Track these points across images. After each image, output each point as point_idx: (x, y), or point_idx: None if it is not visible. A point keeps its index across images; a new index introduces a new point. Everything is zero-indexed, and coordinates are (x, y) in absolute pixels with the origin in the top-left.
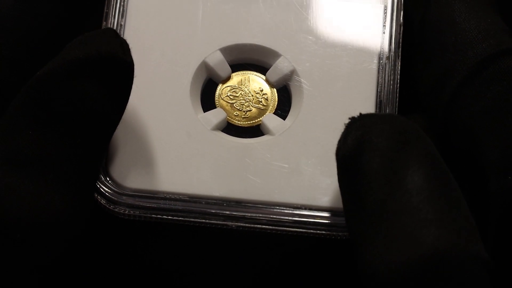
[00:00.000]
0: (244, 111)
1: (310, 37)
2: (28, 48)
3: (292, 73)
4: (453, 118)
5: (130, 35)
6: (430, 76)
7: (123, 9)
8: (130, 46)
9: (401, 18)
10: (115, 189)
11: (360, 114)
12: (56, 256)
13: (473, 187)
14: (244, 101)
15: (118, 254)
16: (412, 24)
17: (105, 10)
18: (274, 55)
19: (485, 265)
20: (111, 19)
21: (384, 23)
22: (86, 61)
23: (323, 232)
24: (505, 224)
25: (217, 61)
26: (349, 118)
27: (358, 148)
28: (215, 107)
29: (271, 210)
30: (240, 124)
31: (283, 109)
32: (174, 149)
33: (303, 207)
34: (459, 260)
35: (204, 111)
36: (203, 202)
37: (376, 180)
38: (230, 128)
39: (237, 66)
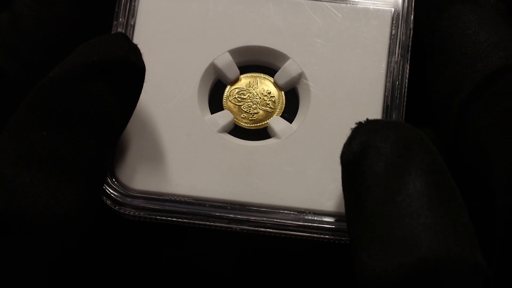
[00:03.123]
0: (251, 113)
1: (319, 40)
2: (44, 49)
3: (300, 76)
4: (462, 131)
5: (139, 36)
6: (440, 88)
7: (133, 9)
8: (139, 46)
9: (411, 22)
10: (121, 191)
11: (367, 119)
12: (67, 254)
13: (481, 202)
14: (251, 103)
15: (123, 254)
16: (423, 34)
17: (116, 10)
18: (283, 57)
19: (482, 273)
20: (121, 19)
21: (393, 27)
22: (99, 64)
23: (327, 236)
24: (510, 241)
25: (226, 62)
26: (356, 123)
27: (362, 152)
28: (223, 109)
29: (275, 213)
30: (247, 126)
31: (290, 112)
32: (180, 151)
33: (307, 211)
34: (455, 266)
35: (212, 113)
36: (208, 205)
37: (378, 184)
38: (237, 130)
39: (245, 68)
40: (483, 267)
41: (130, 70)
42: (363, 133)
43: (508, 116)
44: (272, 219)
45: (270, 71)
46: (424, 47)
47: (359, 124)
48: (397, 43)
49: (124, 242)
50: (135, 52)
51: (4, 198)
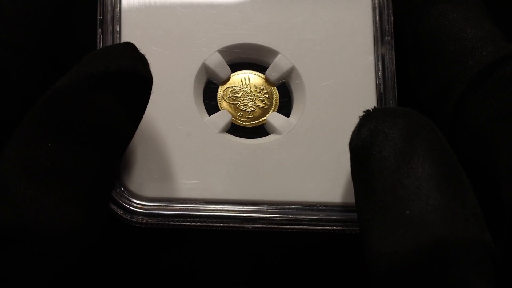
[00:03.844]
0: (247, 111)
1: (306, 33)
2: (26, 31)
3: (292, 70)
4: (459, 127)
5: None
6: (431, 88)
7: (117, 16)
8: None
9: (391, 8)
10: (131, 199)
11: (374, 107)
12: (69, 267)
13: (484, 195)
14: (246, 101)
15: (130, 262)
16: (404, 35)
17: (99, 17)
18: (272, 53)
19: (491, 253)
20: (105, 26)
21: (376, 14)
22: (107, 75)
23: (339, 228)
24: None
25: (217, 62)
26: (364, 111)
27: (371, 138)
28: (217, 109)
29: (288, 209)
30: (245, 124)
31: (283, 107)
32: (185, 155)
33: (318, 205)
34: (465, 246)
35: (208, 114)
36: (220, 206)
37: (386, 168)
38: (235, 129)
39: (234, 66)
40: (492, 247)
41: (137, 82)
42: (371, 120)
43: (507, 107)
44: (285, 215)
45: (259, 67)
46: (406, 49)
47: (367, 111)
48: (381, 31)
49: (129, 249)
50: (143, 62)
51: (7, 210)
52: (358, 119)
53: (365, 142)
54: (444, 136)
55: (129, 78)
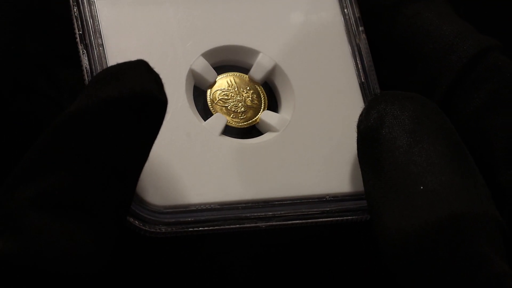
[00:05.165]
0: (239, 112)
1: (283, 31)
2: (12, 39)
3: (274, 68)
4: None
5: (113, 55)
6: (412, 88)
7: (99, 29)
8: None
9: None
10: (148, 209)
11: (381, 91)
12: None
13: None
14: (237, 103)
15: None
16: (375, 38)
17: (78, 32)
18: (254, 53)
19: (501, 228)
20: (89, 40)
21: (342, 6)
22: (121, 100)
23: (350, 217)
24: None
25: (203, 66)
26: (372, 95)
27: (380, 120)
28: (209, 114)
29: (299, 204)
30: (239, 125)
31: (271, 104)
32: (193, 161)
33: (328, 196)
34: (479, 221)
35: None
36: (237, 208)
37: (397, 148)
38: (230, 131)
39: (218, 69)
40: (502, 222)
41: (151, 105)
42: (380, 103)
43: (495, 96)
44: (297, 210)
45: (240, 69)
46: (378, 51)
47: (375, 95)
48: (351, 21)
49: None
50: (157, 84)
51: (19, 241)
52: (366, 103)
53: (375, 124)
54: None
55: (143, 102)
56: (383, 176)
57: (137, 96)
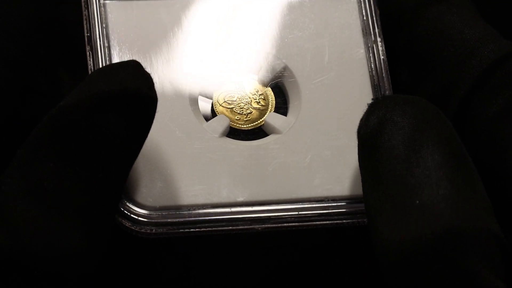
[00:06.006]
0: (244, 114)
1: (295, 32)
2: (15, 40)
3: (284, 69)
4: (465, 126)
5: (118, 57)
6: (429, 90)
7: (106, 31)
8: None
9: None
10: (138, 211)
11: (383, 95)
12: None
13: (491, 193)
14: (242, 104)
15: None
16: (397, 39)
17: (86, 34)
18: (262, 54)
19: (500, 243)
20: (95, 43)
21: (362, 8)
22: (111, 96)
23: (349, 220)
24: None
25: (209, 68)
26: (372, 99)
27: (380, 126)
28: (215, 115)
29: (296, 207)
30: (244, 127)
31: (280, 107)
32: (188, 162)
33: (326, 199)
34: (475, 236)
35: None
36: (227, 209)
37: (396, 157)
38: (234, 133)
39: (227, 70)
40: (502, 237)
41: (142, 102)
42: (380, 108)
43: None
44: (294, 213)
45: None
46: (397, 53)
47: (376, 99)
48: (369, 23)
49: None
50: (148, 82)
51: (8, 233)
52: (367, 107)
53: (374, 130)
54: None
55: (133, 98)
56: (380, 185)
57: (127, 92)
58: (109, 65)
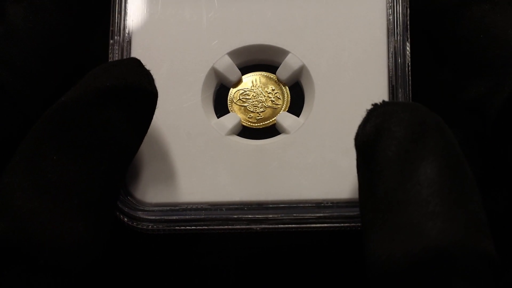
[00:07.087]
0: (257, 113)
1: (316, 31)
2: (40, 58)
3: (302, 69)
4: (505, 131)
5: (137, 51)
6: (474, 91)
7: (128, 26)
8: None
9: (408, 1)
10: (136, 206)
11: (383, 101)
12: (74, 280)
13: None
14: (257, 103)
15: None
16: (438, 39)
17: (110, 28)
18: (282, 53)
19: (490, 262)
20: (117, 37)
21: (390, 7)
22: (113, 90)
23: (347, 224)
24: None
25: (226, 65)
26: (371, 105)
27: (376, 135)
28: (229, 112)
29: (294, 208)
30: (255, 126)
31: (297, 106)
32: (190, 159)
33: (325, 202)
34: (461, 256)
35: (219, 117)
36: (225, 209)
37: (389, 169)
38: (245, 131)
39: (246, 68)
40: (492, 256)
41: (142, 97)
42: (377, 116)
43: None
44: (291, 215)
45: (271, 68)
46: (440, 51)
47: (375, 106)
48: (395, 23)
49: (137, 256)
50: (148, 78)
51: (12, 224)
52: (366, 113)
53: (370, 139)
54: (486, 136)
55: (134, 93)
56: (373, 197)
57: (128, 86)
58: (110, 62)
